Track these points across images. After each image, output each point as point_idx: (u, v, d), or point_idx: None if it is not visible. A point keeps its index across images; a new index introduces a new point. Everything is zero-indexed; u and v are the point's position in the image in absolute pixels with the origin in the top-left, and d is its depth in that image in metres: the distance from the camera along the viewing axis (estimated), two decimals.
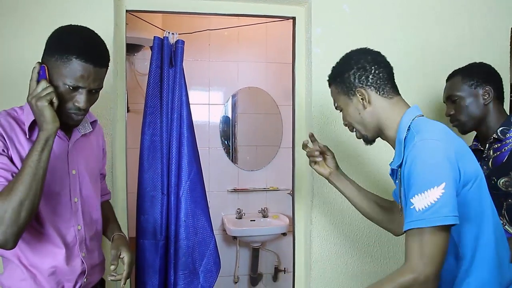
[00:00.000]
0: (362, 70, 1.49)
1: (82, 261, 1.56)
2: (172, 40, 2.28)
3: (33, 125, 1.44)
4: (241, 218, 3.85)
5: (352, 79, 1.50)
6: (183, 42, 2.29)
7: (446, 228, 1.27)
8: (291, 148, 2.44)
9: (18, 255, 1.45)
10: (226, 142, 3.91)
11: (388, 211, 1.75)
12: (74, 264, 1.54)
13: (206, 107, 3.87)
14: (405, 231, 1.32)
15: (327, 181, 1.84)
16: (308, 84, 2.33)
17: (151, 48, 2.26)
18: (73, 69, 1.37)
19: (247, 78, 3.93)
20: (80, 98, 1.42)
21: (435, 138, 1.33)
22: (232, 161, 3.90)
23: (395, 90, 1.52)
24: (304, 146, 1.84)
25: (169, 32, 2.29)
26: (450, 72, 1.99)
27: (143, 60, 3.65)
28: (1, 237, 1.28)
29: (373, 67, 1.49)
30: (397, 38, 2.35)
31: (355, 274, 2.38)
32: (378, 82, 1.49)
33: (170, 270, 2.26)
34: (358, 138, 1.59)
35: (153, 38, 2.25)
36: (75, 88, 1.41)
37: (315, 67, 2.28)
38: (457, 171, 1.31)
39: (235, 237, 3.79)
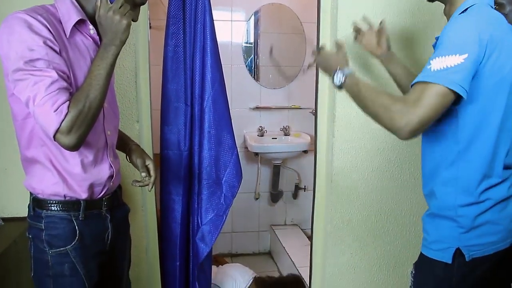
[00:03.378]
0: None
1: (110, 165, 1.60)
2: None
3: (75, 25, 1.45)
4: (262, 136, 3.88)
5: None
6: None
7: (450, 95, 1.30)
8: (315, 67, 2.40)
9: (51, 158, 1.48)
10: (248, 59, 3.87)
11: None
12: (103, 168, 1.58)
13: (229, 24, 3.80)
14: (412, 84, 1.37)
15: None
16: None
17: None
18: None
19: None
20: (136, 14, 1.50)
21: (478, 16, 1.36)
22: (255, 79, 3.87)
23: None
24: (357, 30, 1.96)
25: None
26: None
27: None
28: (76, 141, 1.34)
29: None
30: None
31: (375, 188, 2.41)
32: None
33: (194, 179, 2.31)
34: None
35: None
36: (136, 5, 1.50)
37: None
38: (483, 53, 1.31)
39: (256, 154, 3.83)
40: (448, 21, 1.48)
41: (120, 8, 1.39)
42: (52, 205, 1.51)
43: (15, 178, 2.09)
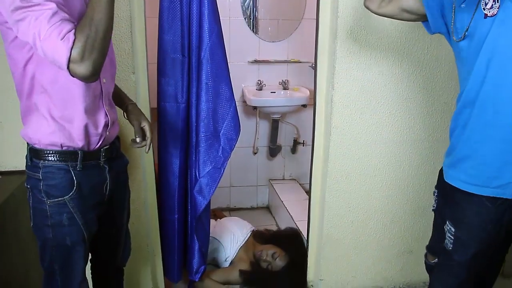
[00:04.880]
0: None
1: (106, 114, 1.59)
2: None
3: None
4: (261, 90, 3.83)
5: None
6: None
7: None
8: (315, 20, 2.34)
9: (50, 106, 1.47)
10: (247, 12, 3.77)
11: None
12: (99, 116, 1.57)
13: None
14: None
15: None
16: None
17: None
18: None
19: None
20: None
21: None
22: (253, 31, 3.79)
23: None
24: None
25: None
26: None
27: None
28: (92, 68, 1.28)
29: None
30: None
31: (374, 141, 2.40)
32: None
33: (192, 132, 2.28)
34: None
35: None
36: None
37: None
38: None
39: (255, 108, 3.79)
40: None
41: None
42: (49, 155, 1.51)
43: (11, 131, 2.07)
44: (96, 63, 1.29)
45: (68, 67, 1.26)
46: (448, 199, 1.64)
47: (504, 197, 1.49)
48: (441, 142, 2.42)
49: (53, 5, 1.26)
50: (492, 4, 1.43)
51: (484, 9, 1.45)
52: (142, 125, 1.73)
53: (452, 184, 1.60)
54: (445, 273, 1.66)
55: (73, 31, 1.26)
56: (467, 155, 1.55)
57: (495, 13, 1.42)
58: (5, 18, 1.33)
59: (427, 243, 1.98)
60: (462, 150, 1.56)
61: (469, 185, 1.55)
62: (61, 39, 1.24)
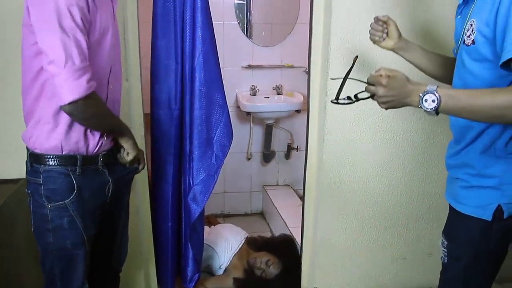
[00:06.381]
0: None
1: None
2: None
3: None
4: (255, 95, 3.82)
5: None
6: None
7: None
8: (309, 24, 2.33)
9: (54, 112, 1.51)
10: (241, 16, 3.77)
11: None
12: None
13: None
14: (507, 61, 1.24)
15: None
16: None
17: None
18: None
19: None
20: None
21: None
22: (247, 36, 3.78)
23: None
24: (377, 19, 1.77)
25: None
26: None
27: None
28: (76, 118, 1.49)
29: None
30: None
31: (368, 147, 2.39)
32: None
33: (186, 139, 2.28)
34: None
35: None
36: None
37: None
38: None
39: (248, 113, 3.78)
40: None
41: None
42: (50, 159, 1.55)
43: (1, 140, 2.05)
44: (89, 123, 1.52)
45: (65, 103, 1.39)
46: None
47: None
48: (434, 147, 2.42)
49: (82, 40, 1.39)
50: (470, 34, 1.39)
51: (465, 34, 1.42)
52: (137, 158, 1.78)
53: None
54: (444, 287, 1.65)
55: (93, 89, 1.42)
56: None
57: (469, 43, 1.39)
58: (29, 20, 1.40)
59: None
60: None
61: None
62: (75, 88, 1.37)
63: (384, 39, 1.78)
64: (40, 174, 1.56)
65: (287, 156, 4.14)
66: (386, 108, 1.42)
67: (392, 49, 1.78)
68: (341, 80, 1.53)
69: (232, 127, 2.31)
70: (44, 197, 1.56)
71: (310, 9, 2.29)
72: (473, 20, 1.37)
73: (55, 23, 1.33)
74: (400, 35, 1.76)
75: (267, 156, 4.06)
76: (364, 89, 1.44)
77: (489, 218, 1.42)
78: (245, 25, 3.78)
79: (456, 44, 1.53)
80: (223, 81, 2.25)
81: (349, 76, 1.54)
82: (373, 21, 1.80)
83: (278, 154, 4.14)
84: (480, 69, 1.38)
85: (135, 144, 1.74)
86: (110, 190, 1.69)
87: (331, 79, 2.18)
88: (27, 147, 1.60)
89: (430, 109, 1.29)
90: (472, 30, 1.36)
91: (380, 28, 1.77)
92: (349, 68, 1.56)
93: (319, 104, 2.36)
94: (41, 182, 1.56)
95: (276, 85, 3.87)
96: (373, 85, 1.40)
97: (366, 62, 2.23)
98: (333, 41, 2.22)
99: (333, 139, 2.35)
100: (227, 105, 2.24)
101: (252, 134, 3.97)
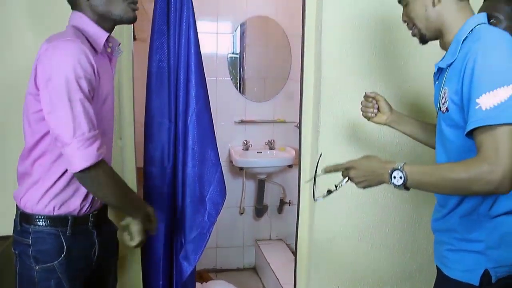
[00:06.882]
0: None
1: None
2: None
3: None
4: (247, 150, 3.86)
5: None
6: None
7: None
8: (299, 81, 2.39)
9: (50, 174, 1.53)
10: (234, 72, 3.85)
11: None
12: None
13: (214, 36, 3.78)
14: (470, 131, 1.27)
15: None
16: (319, 13, 2.25)
17: None
18: None
19: (256, 6, 3.80)
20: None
21: (503, 38, 1.30)
22: (240, 92, 3.86)
23: None
24: (367, 96, 1.83)
25: None
26: None
27: None
28: (92, 190, 1.54)
29: None
30: None
31: (358, 205, 2.39)
32: None
33: (178, 197, 2.27)
34: (414, 35, 1.55)
35: None
36: None
37: None
38: None
39: (241, 168, 3.81)
40: (448, 49, 1.45)
41: None
42: (40, 220, 1.54)
43: None
44: (97, 193, 1.54)
45: (77, 171, 1.42)
46: None
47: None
48: (425, 204, 2.42)
49: (90, 111, 1.43)
50: (444, 101, 1.43)
51: (440, 101, 1.46)
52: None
53: None
54: None
55: (101, 157, 1.46)
56: None
57: (444, 110, 1.43)
58: (36, 90, 1.44)
59: None
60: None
61: None
62: (87, 157, 1.41)
63: (376, 115, 1.83)
64: (29, 234, 1.54)
65: (280, 210, 4.14)
66: (363, 187, 1.50)
67: (386, 124, 1.83)
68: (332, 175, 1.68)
69: (225, 183, 2.32)
70: (32, 258, 1.53)
71: (301, 66, 2.35)
72: (446, 88, 1.42)
73: (65, 95, 1.37)
74: (391, 108, 1.81)
75: (260, 210, 4.06)
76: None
77: (477, 283, 1.41)
78: (238, 80, 3.86)
79: (436, 110, 1.57)
80: (216, 137, 2.28)
81: (320, 172, 1.72)
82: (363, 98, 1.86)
83: (270, 208, 4.14)
84: (455, 135, 1.41)
85: (142, 230, 1.73)
86: (96, 254, 1.66)
87: (305, 182, 2.34)
88: (17, 206, 1.59)
89: (399, 185, 1.35)
90: (445, 98, 1.41)
91: (370, 104, 1.83)
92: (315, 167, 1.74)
93: (311, 159, 2.38)
94: (30, 243, 1.53)
95: (269, 140, 3.92)
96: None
97: (356, 121, 2.28)
98: (323, 97, 2.27)
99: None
100: (220, 163, 2.26)
101: (244, 189, 3.98)
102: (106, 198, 1.58)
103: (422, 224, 2.45)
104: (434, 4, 1.44)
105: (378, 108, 1.83)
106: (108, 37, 1.59)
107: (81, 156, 1.40)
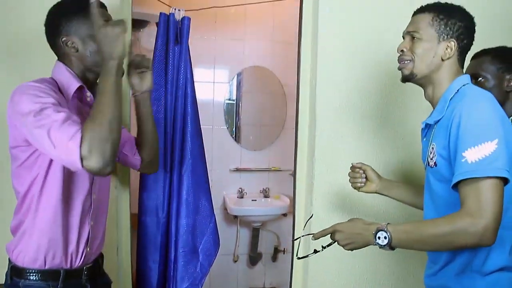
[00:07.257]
0: (466, 29, 1.49)
1: (89, 231, 1.60)
2: (178, 16, 2.26)
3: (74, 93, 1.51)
4: (242, 198, 3.87)
5: (456, 28, 1.48)
6: (189, 19, 2.27)
7: (501, 183, 1.27)
8: (294, 129, 2.43)
9: (40, 225, 1.48)
10: (230, 121, 3.90)
11: None
12: (83, 232, 1.58)
13: (211, 85, 3.85)
14: (455, 183, 1.31)
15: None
16: (314, 64, 2.31)
17: (157, 24, 2.25)
18: None
19: (253, 57, 3.90)
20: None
21: (485, 97, 1.37)
22: (236, 141, 3.90)
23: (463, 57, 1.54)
24: (353, 167, 1.87)
25: (175, 9, 2.28)
26: (478, 51, 1.89)
27: (149, 36, 3.62)
28: (102, 161, 1.29)
29: (473, 33, 1.52)
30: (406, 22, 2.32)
31: (352, 254, 2.38)
32: (466, 47, 1.52)
33: (171, 247, 2.28)
34: (401, 68, 1.56)
35: (159, 14, 2.24)
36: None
37: (321, 48, 2.26)
38: (508, 132, 1.32)
39: (236, 217, 3.80)
40: (433, 102, 1.51)
41: (115, 21, 1.40)
42: (31, 274, 1.49)
43: None
44: (105, 155, 1.29)
45: (82, 165, 1.27)
46: None
47: None
48: (420, 253, 2.42)
49: (61, 114, 1.32)
50: (433, 156, 1.47)
51: (429, 156, 1.50)
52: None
53: None
54: None
55: (80, 129, 1.29)
56: None
57: (433, 165, 1.47)
58: (18, 142, 1.41)
59: None
60: None
61: None
62: (69, 139, 1.27)
63: (364, 184, 1.86)
64: None
65: (274, 258, 4.11)
66: (350, 249, 1.55)
67: (376, 192, 1.85)
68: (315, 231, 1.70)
69: (219, 232, 2.32)
70: None
71: (296, 114, 2.40)
72: (434, 143, 1.47)
73: (35, 121, 1.31)
74: (379, 176, 1.85)
75: (254, 258, 4.03)
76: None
77: None
78: (234, 129, 3.90)
79: (424, 165, 1.60)
80: (210, 186, 2.30)
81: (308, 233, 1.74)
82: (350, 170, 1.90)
83: (265, 256, 4.10)
84: (443, 189, 1.45)
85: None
86: None
87: (293, 240, 2.34)
88: (9, 259, 1.55)
89: (384, 245, 1.39)
90: (434, 153, 1.46)
91: (358, 174, 1.86)
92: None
93: (305, 208, 2.39)
94: None
95: (264, 188, 3.93)
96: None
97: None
98: (318, 147, 2.30)
99: (319, 245, 2.34)
100: (214, 214, 2.27)
101: (238, 236, 3.96)
102: (114, 122, 1.36)
103: (418, 275, 2.44)
104: (443, 58, 1.49)
105: (366, 177, 1.86)
106: (91, 87, 1.57)
107: (68, 154, 1.28)
